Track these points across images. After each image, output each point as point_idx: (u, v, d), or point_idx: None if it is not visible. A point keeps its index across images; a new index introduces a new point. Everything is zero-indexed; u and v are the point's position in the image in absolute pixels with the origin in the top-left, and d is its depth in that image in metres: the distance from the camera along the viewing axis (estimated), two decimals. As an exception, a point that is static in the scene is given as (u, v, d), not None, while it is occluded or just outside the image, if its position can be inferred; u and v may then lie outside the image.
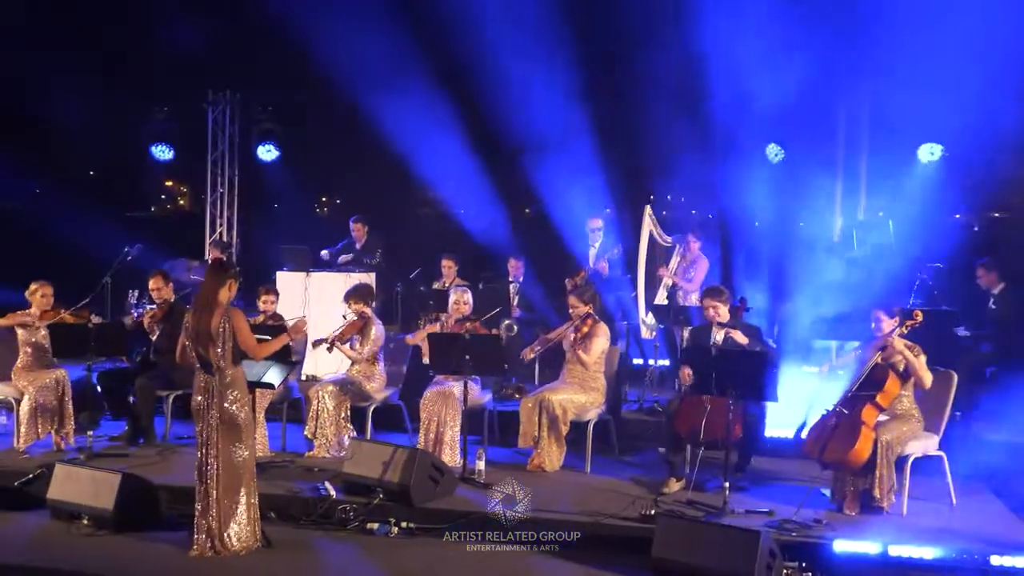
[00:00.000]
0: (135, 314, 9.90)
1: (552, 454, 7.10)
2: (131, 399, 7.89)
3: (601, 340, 7.28)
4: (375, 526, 6.07)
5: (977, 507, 6.42)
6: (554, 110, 9.94)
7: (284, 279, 9.79)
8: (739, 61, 9.20)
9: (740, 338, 6.69)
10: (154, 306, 9.84)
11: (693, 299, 8.82)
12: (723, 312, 6.84)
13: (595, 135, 9.78)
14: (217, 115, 11.76)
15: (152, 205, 21.62)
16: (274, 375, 6.48)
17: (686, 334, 8.55)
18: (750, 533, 5.22)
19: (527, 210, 12.73)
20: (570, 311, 7.46)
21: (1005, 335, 8.30)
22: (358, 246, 10.49)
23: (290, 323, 6.64)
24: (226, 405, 5.64)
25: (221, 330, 5.61)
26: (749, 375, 6.04)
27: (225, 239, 11.71)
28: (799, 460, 7.20)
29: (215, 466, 5.62)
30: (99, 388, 7.98)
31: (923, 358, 6.23)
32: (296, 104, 11.69)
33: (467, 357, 6.80)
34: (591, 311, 7.35)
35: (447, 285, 9.82)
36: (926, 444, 6.27)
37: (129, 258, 10.36)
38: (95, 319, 7.84)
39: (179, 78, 11.02)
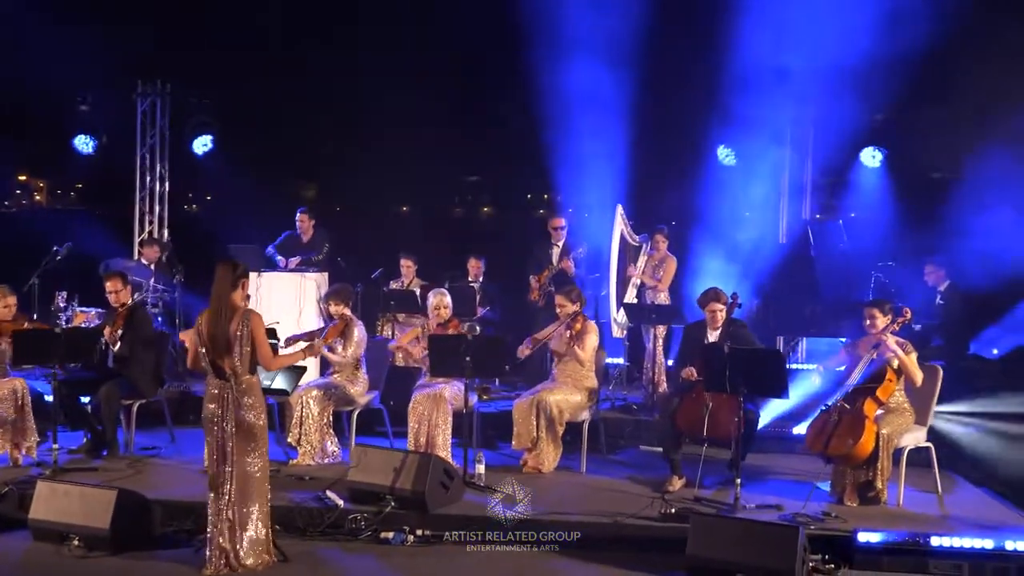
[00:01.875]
0: (63, 318, 9.30)
1: (549, 455, 7.05)
2: (90, 408, 7.38)
3: (593, 337, 7.29)
4: (390, 535, 5.88)
5: (964, 495, 6.73)
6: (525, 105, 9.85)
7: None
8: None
9: None
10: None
11: (662, 298, 8.92)
12: (724, 313, 6.95)
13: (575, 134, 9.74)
14: (147, 107, 11.13)
15: (6, 199, 20.21)
16: (283, 381, 6.20)
17: (657, 332, 8.71)
18: (788, 528, 5.32)
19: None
20: (557, 310, 7.43)
21: (953, 329, 8.76)
22: (304, 239, 9.83)
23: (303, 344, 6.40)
24: (242, 412, 5.36)
25: (239, 334, 5.32)
26: (762, 373, 6.13)
27: (155, 236, 11.10)
28: (780, 455, 7.45)
29: (230, 478, 5.34)
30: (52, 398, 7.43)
31: (914, 355, 6.46)
32: (233, 96, 11.15)
33: (468, 359, 6.68)
34: (579, 309, 7.35)
35: (407, 285, 9.61)
36: (917, 436, 6.53)
37: (59, 258, 9.72)
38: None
39: (107, 67, 10.34)
